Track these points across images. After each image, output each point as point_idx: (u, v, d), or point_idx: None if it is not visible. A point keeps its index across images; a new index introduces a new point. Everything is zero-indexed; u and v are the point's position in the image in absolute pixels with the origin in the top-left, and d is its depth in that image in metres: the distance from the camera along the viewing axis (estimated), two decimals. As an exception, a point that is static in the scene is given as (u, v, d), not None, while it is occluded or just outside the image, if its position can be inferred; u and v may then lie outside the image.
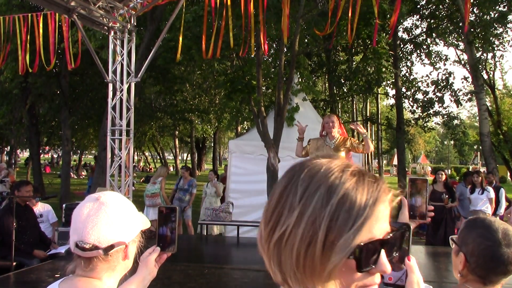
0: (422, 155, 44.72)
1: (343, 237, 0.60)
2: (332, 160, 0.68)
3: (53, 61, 8.57)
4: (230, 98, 9.90)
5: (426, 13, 16.21)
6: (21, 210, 5.27)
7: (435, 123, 22.61)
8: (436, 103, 15.18)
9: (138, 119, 15.06)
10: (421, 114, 15.77)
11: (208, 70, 14.28)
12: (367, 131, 16.25)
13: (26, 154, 34.43)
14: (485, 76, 17.27)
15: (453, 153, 35.11)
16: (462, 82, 17.28)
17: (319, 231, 0.60)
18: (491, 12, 14.04)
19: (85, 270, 1.24)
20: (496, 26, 14.52)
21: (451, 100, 15.60)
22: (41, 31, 7.71)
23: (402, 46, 16.93)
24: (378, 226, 0.63)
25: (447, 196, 7.89)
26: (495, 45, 15.60)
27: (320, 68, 16.55)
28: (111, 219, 1.23)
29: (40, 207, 6.13)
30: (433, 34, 16.64)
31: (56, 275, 4.16)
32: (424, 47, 17.24)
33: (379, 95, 22.14)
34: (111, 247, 1.22)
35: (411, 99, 15.87)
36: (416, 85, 16.05)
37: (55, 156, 39.95)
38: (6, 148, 25.30)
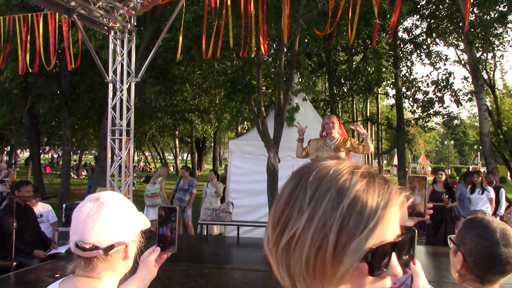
0: (422, 155, 44.62)
1: (355, 240, 0.59)
2: (341, 162, 0.66)
3: (53, 61, 8.58)
4: (230, 98, 9.89)
5: (426, 13, 16.18)
6: (21, 210, 5.27)
7: (435, 123, 22.56)
8: (436, 103, 15.16)
9: (138, 119, 15.07)
10: (421, 114, 15.75)
11: (208, 70, 14.29)
12: (367, 131, 16.29)
13: (26, 154, 34.44)
14: (485, 76, 17.25)
15: (453, 153, 35.16)
16: (462, 82, 17.32)
17: (330, 234, 0.59)
18: (491, 12, 14.04)
19: (85, 270, 1.24)
20: (496, 26, 14.51)
21: (451, 100, 15.58)
22: (41, 31, 7.72)
23: (402, 46, 16.91)
24: (390, 229, 0.62)
25: (447, 196, 7.88)
26: (495, 45, 15.60)
27: (320, 68, 16.55)
28: (111, 219, 1.23)
29: (40, 207, 6.14)
30: (433, 34, 16.62)
31: (56, 275, 4.16)
32: (424, 47, 17.21)
33: (379, 95, 22.15)
34: (111, 247, 1.22)
35: (411, 99, 15.86)
36: (416, 85, 16.04)
37: (55, 156, 39.96)
38: (6, 148, 25.32)
